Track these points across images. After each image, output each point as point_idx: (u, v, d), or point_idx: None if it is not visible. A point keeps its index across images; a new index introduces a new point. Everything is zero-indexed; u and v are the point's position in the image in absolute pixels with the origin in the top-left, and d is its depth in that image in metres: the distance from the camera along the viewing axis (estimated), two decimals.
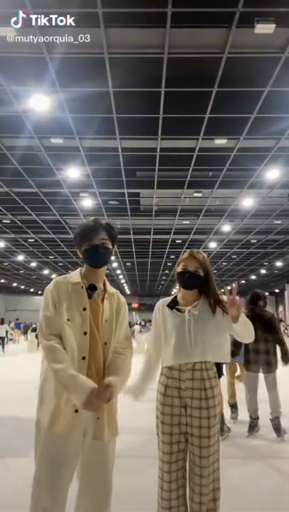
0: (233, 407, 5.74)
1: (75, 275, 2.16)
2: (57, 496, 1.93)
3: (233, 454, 4.15)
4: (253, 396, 5.00)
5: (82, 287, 2.08)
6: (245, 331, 2.33)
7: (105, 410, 2.00)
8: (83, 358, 1.98)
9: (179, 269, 2.41)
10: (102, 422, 2.00)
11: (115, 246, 2.21)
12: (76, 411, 1.93)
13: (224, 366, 4.91)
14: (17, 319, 33.01)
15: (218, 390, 2.32)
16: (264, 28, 5.12)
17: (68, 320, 2.00)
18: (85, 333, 2.00)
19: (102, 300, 2.11)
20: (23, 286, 38.31)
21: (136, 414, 4.84)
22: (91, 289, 2.07)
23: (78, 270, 2.20)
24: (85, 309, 2.03)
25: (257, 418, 4.97)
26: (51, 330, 2.00)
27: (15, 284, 36.28)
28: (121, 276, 31.08)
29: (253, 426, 4.96)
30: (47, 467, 1.94)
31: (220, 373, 5.21)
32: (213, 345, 2.29)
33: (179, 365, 2.28)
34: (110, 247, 2.14)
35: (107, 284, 2.21)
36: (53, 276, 29.17)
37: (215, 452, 2.25)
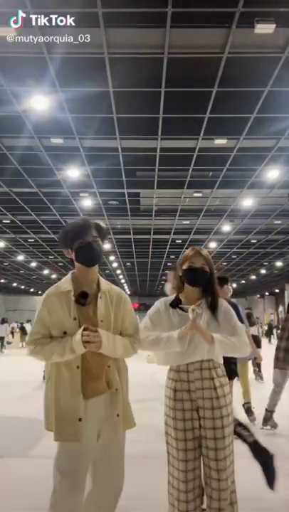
0: (248, 410, 5.63)
1: (66, 282, 2.14)
2: (75, 503, 1.97)
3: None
4: (279, 390, 5.14)
5: (71, 300, 2.07)
6: (227, 351, 2.27)
7: (121, 406, 2.07)
8: (77, 367, 2.01)
9: (185, 266, 2.34)
10: (120, 418, 2.06)
11: (104, 244, 2.24)
12: (80, 419, 1.96)
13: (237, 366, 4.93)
14: (28, 320, 29.90)
15: (228, 388, 2.28)
16: (264, 28, 5.12)
17: (65, 333, 2.03)
18: None
19: (97, 301, 2.11)
20: (23, 286, 38.29)
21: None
22: (82, 296, 2.05)
23: (69, 275, 2.18)
24: (75, 319, 2.04)
25: (272, 411, 5.11)
26: (33, 340, 2.08)
27: (15, 284, 36.25)
28: (121, 276, 31.07)
29: (267, 419, 5.09)
30: (63, 476, 1.97)
31: (233, 373, 5.22)
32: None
33: (187, 366, 2.24)
34: (102, 244, 2.15)
35: (102, 281, 2.18)
36: (53, 276, 29.19)
37: (230, 453, 2.20)
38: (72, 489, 1.95)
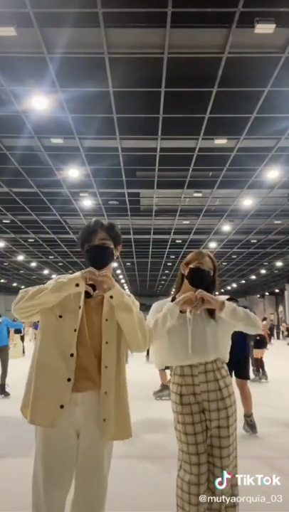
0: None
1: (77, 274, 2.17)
2: (53, 501, 1.91)
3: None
4: None
5: (81, 292, 2.05)
6: (238, 319, 2.23)
7: (112, 411, 1.95)
8: (71, 354, 1.94)
9: (192, 265, 2.33)
10: (109, 423, 1.94)
11: (119, 246, 2.18)
12: (61, 406, 1.88)
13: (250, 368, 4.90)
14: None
15: (232, 388, 2.29)
16: (264, 28, 5.13)
17: (60, 317, 1.98)
18: (75, 330, 1.97)
19: (103, 299, 2.08)
20: (23, 286, 38.21)
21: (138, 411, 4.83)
22: (90, 286, 2.04)
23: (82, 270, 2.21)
24: (80, 307, 2.01)
25: None
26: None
27: (15, 284, 36.26)
28: (121, 276, 31.08)
29: None
30: (40, 461, 1.93)
31: (247, 375, 5.22)
32: (218, 344, 2.27)
33: (191, 369, 2.24)
34: (111, 246, 2.12)
35: None
36: (53, 276, 29.12)
37: (234, 450, 2.25)
38: (50, 488, 1.90)
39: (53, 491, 1.91)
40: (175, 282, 2.48)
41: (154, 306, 2.46)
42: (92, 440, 1.94)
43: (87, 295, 2.03)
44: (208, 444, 2.21)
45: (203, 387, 2.22)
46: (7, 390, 7.65)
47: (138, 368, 9.16)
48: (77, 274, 1.99)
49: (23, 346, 15.65)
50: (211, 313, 2.30)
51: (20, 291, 2.05)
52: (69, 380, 1.91)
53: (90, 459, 1.95)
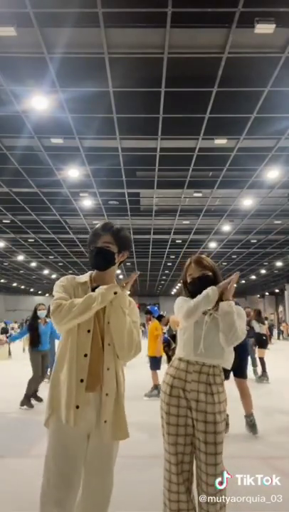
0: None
1: (84, 276, 2.21)
2: (65, 502, 1.92)
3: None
4: None
5: (89, 287, 2.12)
6: (225, 319, 2.24)
7: (111, 413, 2.01)
8: (85, 355, 2.00)
9: (188, 279, 2.44)
10: (109, 424, 1.99)
11: (126, 252, 2.19)
12: (77, 407, 1.94)
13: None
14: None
15: (224, 395, 2.30)
16: (264, 28, 5.13)
17: None
18: (89, 331, 2.02)
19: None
20: (23, 286, 38.30)
21: (139, 411, 4.83)
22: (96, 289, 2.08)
23: (89, 273, 2.24)
24: None
25: None
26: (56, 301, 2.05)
27: (15, 284, 36.27)
28: (121, 276, 31.03)
29: None
30: (52, 471, 1.94)
31: (244, 374, 5.23)
32: (224, 351, 2.30)
33: (187, 365, 2.28)
34: (114, 251, 2.13)
35: None
36: (53, 276, 29.18)
37: (220, 462, 2.24)
38: (61, 487, 1.92)
39: (66, 491, 1.94)
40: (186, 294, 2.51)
41: (180, 300, 2.46)
42: (101, 442, 1.99)
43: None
44: (196, 446, 2.23)
45: (193, 386, 2.24)
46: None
47: (139, 368, 9.16)
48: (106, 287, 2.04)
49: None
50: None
51: (55, 304, 2.04)
52: (82, 381, 1.97)
53: (100, 459, 2.01)
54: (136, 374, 8.01)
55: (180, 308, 2.36)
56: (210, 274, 2.39)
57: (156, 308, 8.59)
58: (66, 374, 1.99)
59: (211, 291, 2.29)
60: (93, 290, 2.08)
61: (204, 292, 2.29)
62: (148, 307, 8.68)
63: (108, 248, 2.12)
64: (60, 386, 2.00)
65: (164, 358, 7.87)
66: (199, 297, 2.29)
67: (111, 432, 1.99)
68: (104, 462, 2.02)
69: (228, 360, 2.35)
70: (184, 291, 2.51)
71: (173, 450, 2.23)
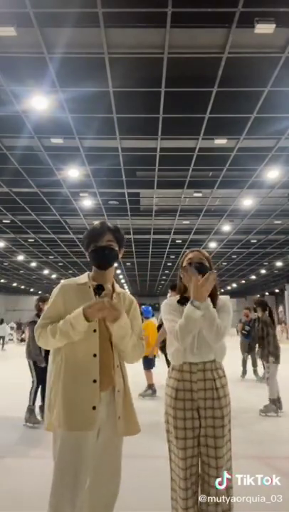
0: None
1: (83, 277, 2.21)
2: (76, 502, 1.92)
3: None
4: None
5: (90, 287, 2.12)
6: (208, 323, 2.19)
7: (124, 408, 2.06)
8: (94, 355, 2.01)
9: (184, 263, 2.41)
10: (122, 420, 2.04)
11: (122, 249, 2.22)
12: (94, 408, 1.94)
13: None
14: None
15: (228, 389, 2.31)
16: (264, 28, 5.13)
17: None
18: (95, 331, 2.03)
19: (112, 297, 2.14)
20: (23, 286, 38.29)
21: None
22: (99, 288, 2.08)
23: (87, 273, 2.24)
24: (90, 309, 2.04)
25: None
26: (41, 324, 2.07)
27: (15, 284, 36.26)
28: (121, 276, 31.07)
29: None
30: (65, 472, 1.93)
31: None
32: (221, 344, 2.30)
33: (190, 366, 2.26)
34: (116, 248, 2.16)
35: (116, 284, 2.25)
36: (53, 276, 29.20)
37: (228, 451, 2.26)
38: (73, 488, 1.92)
39: (77, 489, 1.94)
40: (178, 286, 2.47)
41: (164, 303, 2.43)
42: (111, 437, 2.04)
43: (97, 294, 2.07)
44: (202, 444, 2.22)
45: (200, 385, 2.24)
46: None
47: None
48: (79, 311, 1.97)
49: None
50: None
51: (37, 332, 2.07)
52: (94, 381, 1.98)
53: (108, 456, 2.05)
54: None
55: (166, 324, 2.32)
56: (207, 264, 2.40)
57: (149, 308, 8.45)
58: (77, 376, 1.99)
59: (187, 311, 2.17)
60: (94, 289, 2.08)
61: (184, 314, 2.18)
62: (142, 307, 8.53)
63: (112, 247, 2.14)
64: (71, 389, 1.98)
65: (163, 358, 7.84)
66: (181, 324, 2.18)
67: (123, 428, 2.04)
68: (112, 458, 2.06)
69: (222, 353, 2.33)
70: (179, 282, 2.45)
71: (182, 455, 2.20)
